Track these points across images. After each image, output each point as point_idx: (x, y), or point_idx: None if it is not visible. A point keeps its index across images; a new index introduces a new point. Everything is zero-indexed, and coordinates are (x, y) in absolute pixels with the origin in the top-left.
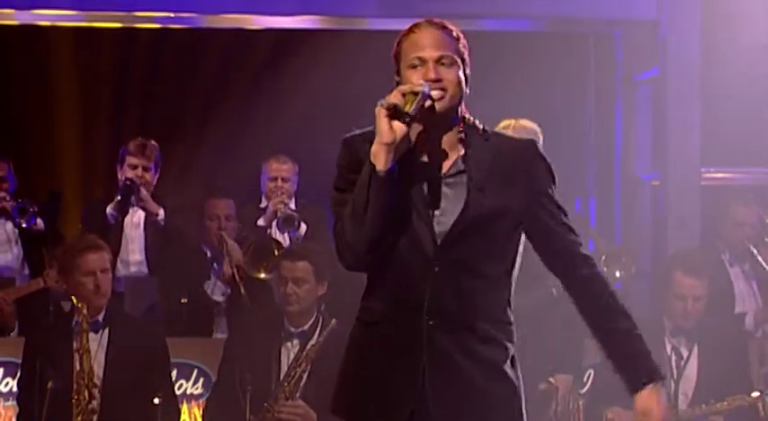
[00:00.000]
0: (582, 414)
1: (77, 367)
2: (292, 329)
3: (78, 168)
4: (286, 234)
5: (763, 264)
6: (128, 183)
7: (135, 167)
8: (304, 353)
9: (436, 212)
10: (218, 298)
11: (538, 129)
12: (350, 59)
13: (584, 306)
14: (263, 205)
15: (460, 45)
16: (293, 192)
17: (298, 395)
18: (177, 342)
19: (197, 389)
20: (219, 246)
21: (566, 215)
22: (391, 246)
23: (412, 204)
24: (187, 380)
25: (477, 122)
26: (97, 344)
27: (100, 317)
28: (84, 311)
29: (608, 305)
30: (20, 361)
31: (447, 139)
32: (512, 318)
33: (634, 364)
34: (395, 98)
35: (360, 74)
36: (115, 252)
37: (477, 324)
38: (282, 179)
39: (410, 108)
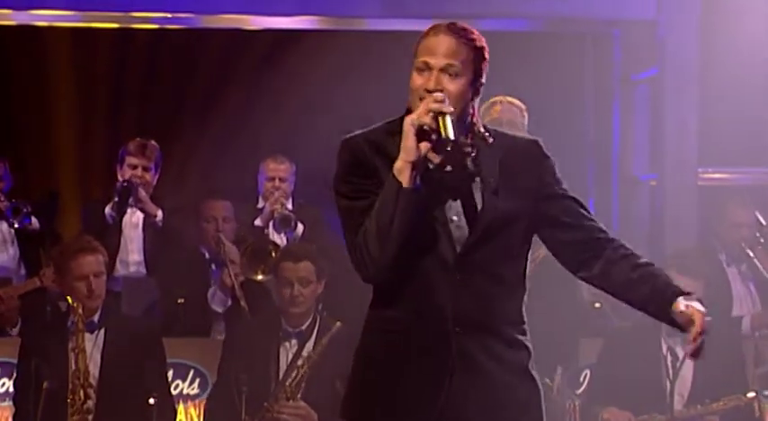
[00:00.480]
0: (578, 414)
1: (73, 367)
2: (290, 329)
3: (76, 168)
4: (283, 234)
5: (760, 266)
6: (125, 183)
7: (135, 167)
8: (306, 353)
9: (453, 218)
10: (218, 308)
11: (524, 107)
12: (347, 60)
13: (615, 269)
14: (260, 205)
15: (475, 54)
16: (290, 192)
17: (299, 395)
18: (174, 342)
19: (193, 389)
20: (217, 248)
21: (582, 206)
22: (411, 254)
23: (432, 212)
24: (183, 381)
25: (483, 125)
26: (93, 344)
27: (95, 318)
28: (81, 311)
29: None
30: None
31: None
32: (525, 318)
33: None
34: (427, 117)
35: (357, 74)
36: (113, 252)
37: (502, 328)
38: (280, 179)
39: (450, 133)
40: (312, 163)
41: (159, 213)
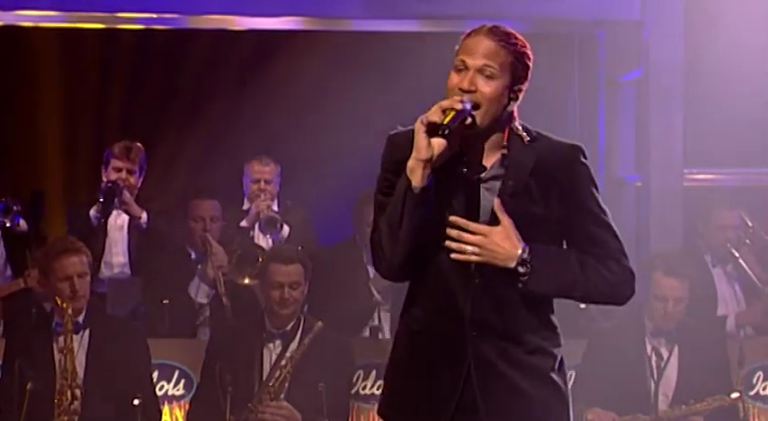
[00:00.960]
0: None
1: (60, 368)
2: (274, 330)
3: (61, 169)
4: (269, 236)
5: (746, 267)
6: (109, 185)
7: (119, 170)
8: (289, 354)
9: (476, 220)
10: (203, 300)
11: None
12: (333, 60)
13: None
14: (245, 207)
15: (515, 58)
16: (276, 193)
17: (282, 396)
18: (159, 343)
19: (178, 390)
20: (203, 249)
21: (598, 223)
22: (432, 254)
23: (452, 212)
24: (168, 382)
25: (524, 127)
26: (78, 344)
27: (80, 319)
28: (69, 311)
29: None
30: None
31: (489, 145)
32: (556, 322)
33: None
34: (435, 115)
35: (344, 75)
36: (98, 254)
37: (523, 335)
38: (265, 181)
39: (447, 121)
40: (299, 164)
41: (144, 216)
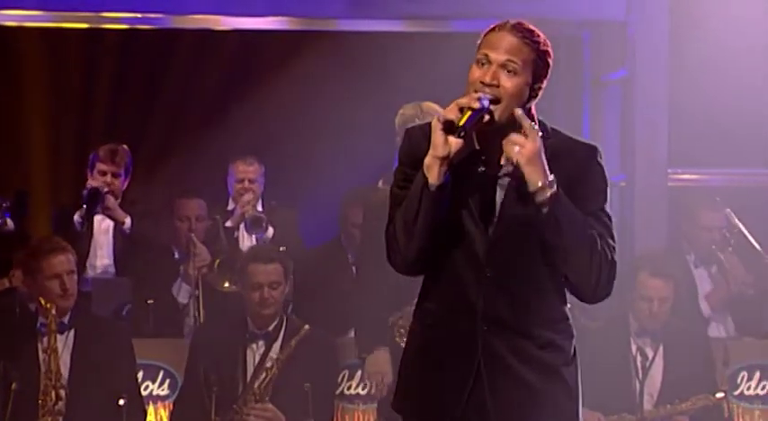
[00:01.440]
0: None
1: (44, 368)
2: (257, 331)
3: (46, 168)
4: (254, 236)
5: (729, 267)
6: (92, 190)
7: (104, 174)
8: (274, 355)
9: (491, 216)
10: (184, 300)
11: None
12: (319, 60)
13: None
14: (230, 207)
15: (537, 56)
16: (260, 193)
17: (267, 398)
18: (143, 343)
19: (163, 390)
20: (187, 249)
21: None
22: (446, 249)
23: (467, 207)
24: (153, 382)
25: (541, 125)
26: (63, 344)
27: (65, 319)
28: (53, 312)
29: None
30: None
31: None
32: (569, 315)
33: None
34: (451, 113)
35: (329, 75)
36: (83, 258)
37: (534, 330)
38: (249, 181)
39: (463, 122)
40: (284, 164)
41: (128, 220)
